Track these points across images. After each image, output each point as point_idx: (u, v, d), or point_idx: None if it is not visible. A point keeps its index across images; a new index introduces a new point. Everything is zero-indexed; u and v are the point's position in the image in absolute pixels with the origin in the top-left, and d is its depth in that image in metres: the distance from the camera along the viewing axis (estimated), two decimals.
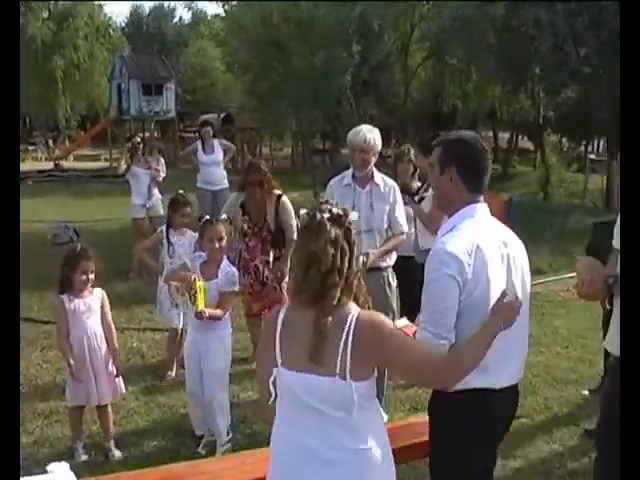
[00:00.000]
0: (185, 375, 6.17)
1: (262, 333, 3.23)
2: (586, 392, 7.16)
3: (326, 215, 3.00)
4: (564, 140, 42.42)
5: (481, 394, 3.32)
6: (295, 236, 7.76)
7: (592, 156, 38.61)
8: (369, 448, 3.04)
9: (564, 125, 34.12)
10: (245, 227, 7.69)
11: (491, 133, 41.28)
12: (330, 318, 2.94)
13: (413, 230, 7.33)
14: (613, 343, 3.91)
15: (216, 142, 13.54)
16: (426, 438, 3.58)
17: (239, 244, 7.84)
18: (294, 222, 7.71)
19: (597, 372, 7.30)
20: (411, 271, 6.38)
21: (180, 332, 7.56)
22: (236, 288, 6.07)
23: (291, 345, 3.01)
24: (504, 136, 42.65)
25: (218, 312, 5.78)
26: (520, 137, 44.46)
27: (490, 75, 26.20)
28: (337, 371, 2.92)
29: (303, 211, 3.06)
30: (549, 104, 28.77)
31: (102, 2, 51.23)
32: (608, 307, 5.25)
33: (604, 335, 6.95)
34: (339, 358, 2.92)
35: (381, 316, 3.04)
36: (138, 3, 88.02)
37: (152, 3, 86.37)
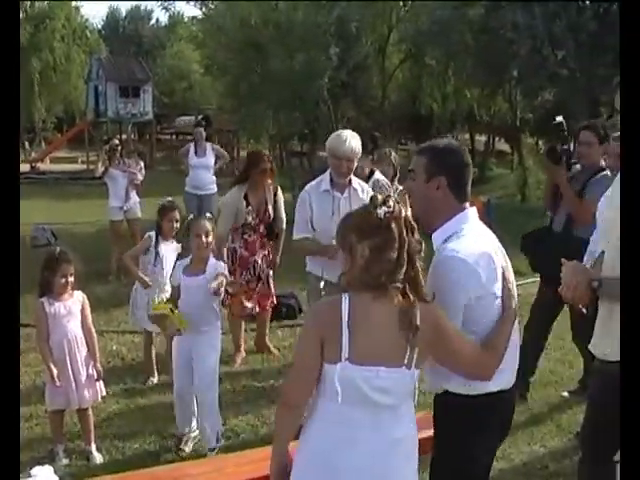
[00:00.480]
0: (173, 377, 6.13)
1: (314, 326, 3.11)
2: (566, 393, 7.19)
3: (407, 212, 3.03)
4: (541, 142, 42.56)
5: (494, 396, 3.36)
6: (284, 227, 7.95)
7: None
8: (411, 435, 3.18)
9: (541, 127, 34.26)
10: (249, 219, 7.74)
11: (468, 136, 41.35)
12: (417, 310, 2.97)
13: None
14: (598, 346, 3.94)
15: (209, 146, 13.41)
16: (422, 435, 3.56)
17: (234, 243, 7.85)
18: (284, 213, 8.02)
19: (576, 373, 7.35)
20: None
21: (152, 335, 7.57)
22: (225, 272, 6.00)
23: (362, 337, 2.96)
24: (481, 139, 42.71)
25: (220, 283, 5.78)
26: (497, 139, 44.57)
27: (468, 77, 26.26)
28: (405, 361, 2.98)
29: (391, 202, 3.01)
30: (526, 107, 28.86)
31: (79, 3, 51.05)
32: (584, 311, 5.28)
33: (573, 337, 7.09)
34: (408, 348, 2.97)
35: (438, 306, 3.10)
36: (115, 5, 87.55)
37: (129, 6, 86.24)
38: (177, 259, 7.13)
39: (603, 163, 6.53)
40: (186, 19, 61.64)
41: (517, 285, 3.58)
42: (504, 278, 3.39)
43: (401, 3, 27.91)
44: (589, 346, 4.08)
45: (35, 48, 44.17)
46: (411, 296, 2.98)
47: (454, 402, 3.38)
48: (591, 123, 6.71)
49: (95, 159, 21.99)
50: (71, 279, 5.66)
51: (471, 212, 3.49)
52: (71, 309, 5.72)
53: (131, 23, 73.23)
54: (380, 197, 3.06)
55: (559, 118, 6.61)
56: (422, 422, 3.41)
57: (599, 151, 6.49)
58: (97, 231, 16.02)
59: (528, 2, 19.22)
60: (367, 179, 7.26)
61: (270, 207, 7.94)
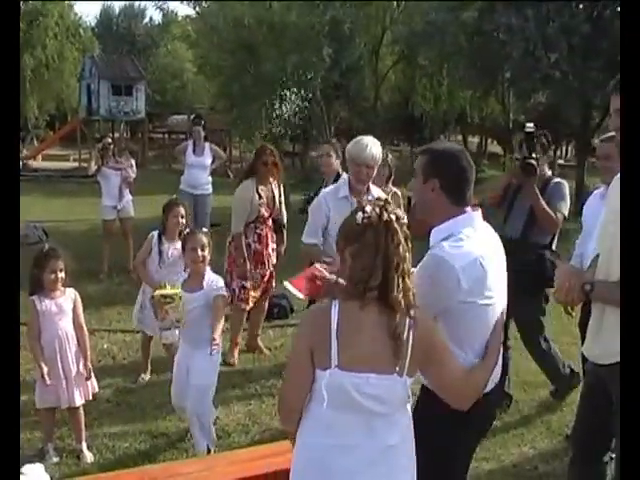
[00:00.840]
0: (171, 391, 6.07)
1: (305, 331, 3.09)
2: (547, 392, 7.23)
3: (392, 216, 2.97)
4: None
5: (484, 397, 3.37)
6: (285, 220, 8.13)
7: (560, 161, 38.89)
8: (409, 439, 3.15)
9: None
10: (262, 211, 7.89)
11: (460, 137, 41.47)
12: (406, 320, 2.95)
13: None
14: (589, 348, 3.95)
15: (207, 145, 13.19)
16: None
17: (247, 238, 7.90)
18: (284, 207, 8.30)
19: None
20: None
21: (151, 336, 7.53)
22: (223, 292, 5.93)
23: (350, 345, 2.93)
24: (474, 140, 42.83)
25: (218, 330, 5.67)
26: (489, 141, 44.64)
27: (461, 79, 26.31)
28: (397, 369, 2.95)
29: (368, 207, 2.98)
30: (519, 109, 28.94)
31: (72, 2, 50.86)
32: (573, 314, 5.30)
33: (525, 345, 7.17)
34: (400, 357, 2.94)
35: (432, 320, 3.11)
36: (108, 3, 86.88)
37: (122, 4, 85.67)
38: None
39: (549, 172, 6.85)
40: (180, 18, 61.74)
41: None
42: (502, 279, 3.40)
43: (395, 4, 27.96)
44: (582, 348, 4.10)
45: (28, 45, 43.91)
46: (396, 305, 2.94)
47: (440, 400, 3.35)
48: (536, 133, 6.80)
49: (87, 157, 21.88)
50: (61, 275, 5.64)
51: (476, 215, 3.51)
52: (62, 306, 5.71)
53: (124, 21, 72.99)
54: (364, 202, 3.07)
55: (530, 126, 6.64)
56: None
57: (543, 160, 6.73)
58: (89, 229, 15.98)
59: (521, 5, 19.26)
60: (335, 180, 7.39)
61: (277, 200, 8.17)
